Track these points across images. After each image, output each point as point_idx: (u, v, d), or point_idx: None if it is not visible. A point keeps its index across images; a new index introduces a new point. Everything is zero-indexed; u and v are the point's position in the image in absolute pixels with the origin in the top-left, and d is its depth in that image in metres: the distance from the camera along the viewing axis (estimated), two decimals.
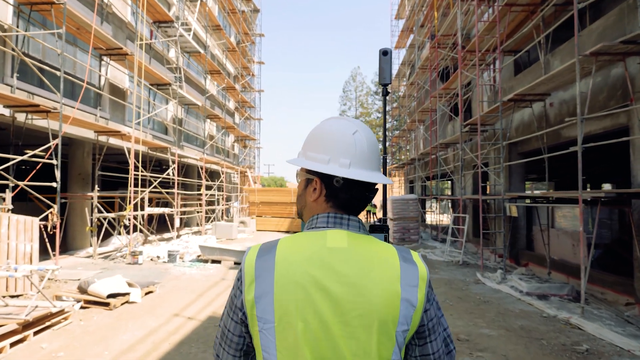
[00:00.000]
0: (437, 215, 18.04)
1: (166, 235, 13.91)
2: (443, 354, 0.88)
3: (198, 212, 15.18)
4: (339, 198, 0.92)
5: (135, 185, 11.42)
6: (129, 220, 9.57)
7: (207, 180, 15.86)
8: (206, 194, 15.31)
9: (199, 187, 15.94)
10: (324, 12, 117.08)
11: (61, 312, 4.91)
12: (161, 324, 4.91)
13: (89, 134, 9.63)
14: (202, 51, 14.69)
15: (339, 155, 0.90)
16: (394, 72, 25.04)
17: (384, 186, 1.21)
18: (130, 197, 9.54)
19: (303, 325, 0.79)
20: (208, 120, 18.08)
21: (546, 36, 8.09)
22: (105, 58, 10.27)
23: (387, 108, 48.84)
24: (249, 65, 25.02)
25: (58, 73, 7.14)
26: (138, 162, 11.39)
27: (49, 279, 6.89)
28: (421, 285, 0.84)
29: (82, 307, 5.61)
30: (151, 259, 9.64)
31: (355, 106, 51.43)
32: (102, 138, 9.88)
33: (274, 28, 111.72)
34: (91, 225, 9.61)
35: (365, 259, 0.83)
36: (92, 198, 9.63)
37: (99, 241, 9.93)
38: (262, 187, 23.75)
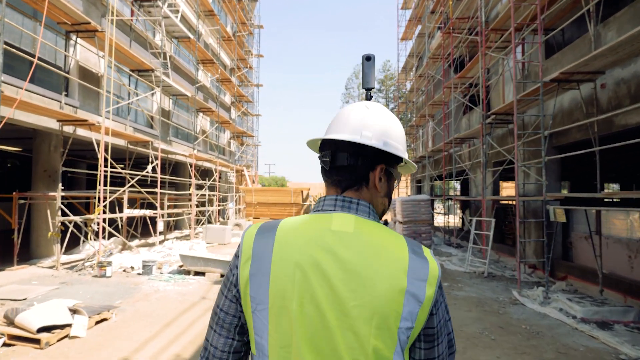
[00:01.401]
0: (453, 218, 16.66)
1: (151, 240, 12.51)
2: (446, 356, 0.81)
3: (187, 214, 13.79)
4: (323, 173, 0.91)
5: (111, 184, 10.05)
6: (98, 224, 8.17)
7: (198, 179, 14.46)
8: (196, 194, 13.91)
9: (190, 187, 14.53)
10: (324, 10, 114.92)
11: None
12: None
13: (55, 125, 8.25)
14: (191, 36, 13.28)
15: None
16: (401, 64, 23.60)
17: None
18: (99, 198, 8.14)
19: (299, 310, 0.74)
20: (200, 114, 16.68)
21: (597, 4, 6.66)
22: (73, 37, 8.88)
23: (391, 106, 47.64)
24: (247, 57, 23.62)
25: None
26: (114, 157, 10.01)
27: None
28: (431, 281, 0.76)
29: (5, 344, 4.22)
30: (124, 270, 8.24)
31: None
32: (69, 129, 8.49)
33: (273, 28, 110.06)
34: (54, 230, 8.22)
35: (370, 247, 0.77)
36: (55, 198, 8.23)
37: (64, 248, 8.55)
38: (260, 187, 22.36)
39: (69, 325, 4.46)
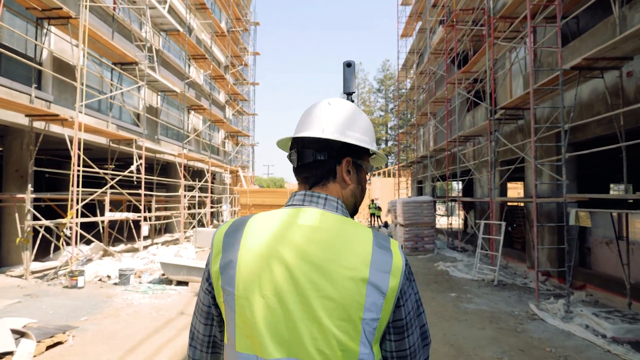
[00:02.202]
0: (455, 219, 15.96)
1: (138, 244, 11.77)
2: (419, 347, 0.83)
3: (175, 216, 13.06)
4: (293, 170, 0.94)
5: (89, 185, 9.36)
6: (70, 229, 7.45)
7: (188, 180, 13.74)
8: (185, 196, 13.18)
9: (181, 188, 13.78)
10: (322, 9, 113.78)
11: None
12: None
13: (25, 120, 7.55)
14: (180, 29, 12.58)
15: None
16: (401, 62, 22.92)
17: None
18: (72, 200, 7.43)
19: (262, 301, 0.76)
20: (192, 112, 15.97)
21: None
22: (47, 26, 8.17)
23: (390, 106, 46.91)
24: (242, 54, 22.92)
25: None
26: (98, 157, 9.32)
27: None
28: (394, 272, 0.78)
29: None
30: (100, 279, 7.52)
31: (357, 104, 49.27)
32: (40, 125, 7.78)
33: (270, 26, 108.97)
34: (23, 236, 7.51)
35: (334, 240, 0.79)
36: (25, 201, 7.52)
37: (33, 255, 7.82)
38: (255, 188, 21.65)
39: (10, 354, 3.74)
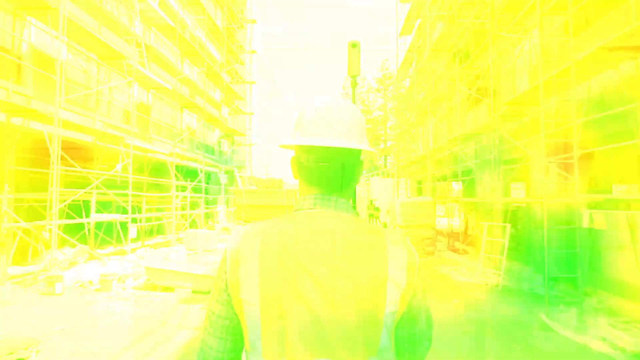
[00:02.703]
0: (454, 220, 15.57)
1: (127, 247, 11.32)
2: (425, 330, 0.88)
3: (166, 218, 12.62)
4: (303, 172, 0.92)
5: (77, 186, 8.91)
6: (50, 231, 7.02)
7: (181, 180, 13.30)
8: (177, 196, 12.74)
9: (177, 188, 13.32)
10: (321, 6, 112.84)
11: None
12: None
13: (2, 116, 7.13)
14: (171, 23, 12.15)
15: (296, 128, 0.92)
16: (400, 60, 22.51)
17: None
18: (52, 201, 6.99)
19: (288, 307, 0.76)
20: (186, 110, 15.54)
21: None
22: (28, 18, 7.75)
23: (389, 105, 46.44)
24: (239, 52, 22.48)
25: None
26: (78, 154, 8.89)
27: None
28: (409, 268, 0.81)
29: None
30: (81, 285, 7.09)
31: (357, 104, 48.87)
32: (18, 121, 7.35)
33: (269, 24, 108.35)
34: None
35: (352, 241, 0.81)
36: (0, 202, 7.08)
37: (10, 259, 7.38)
38: (251, 189, 21.22)
39: None
